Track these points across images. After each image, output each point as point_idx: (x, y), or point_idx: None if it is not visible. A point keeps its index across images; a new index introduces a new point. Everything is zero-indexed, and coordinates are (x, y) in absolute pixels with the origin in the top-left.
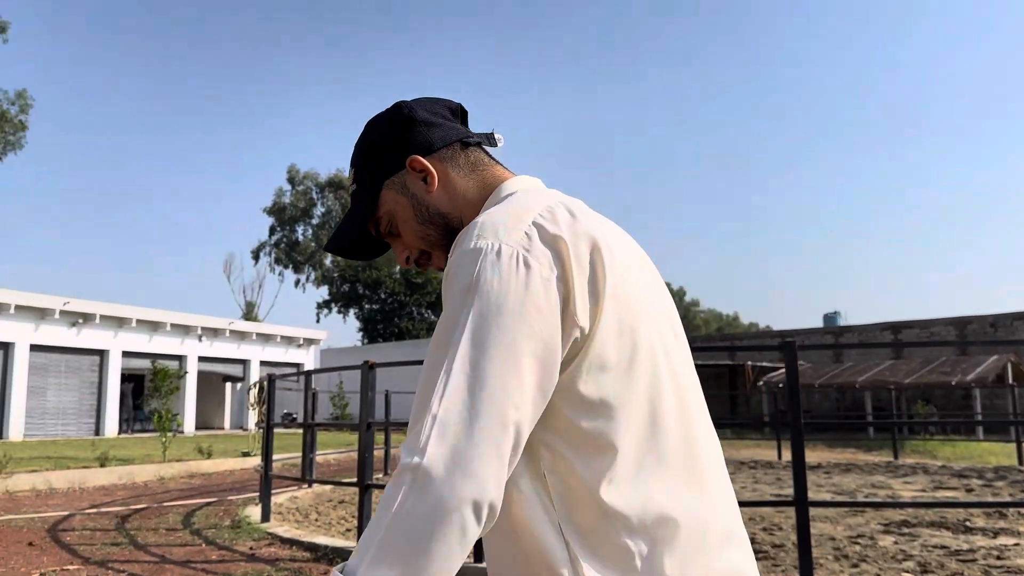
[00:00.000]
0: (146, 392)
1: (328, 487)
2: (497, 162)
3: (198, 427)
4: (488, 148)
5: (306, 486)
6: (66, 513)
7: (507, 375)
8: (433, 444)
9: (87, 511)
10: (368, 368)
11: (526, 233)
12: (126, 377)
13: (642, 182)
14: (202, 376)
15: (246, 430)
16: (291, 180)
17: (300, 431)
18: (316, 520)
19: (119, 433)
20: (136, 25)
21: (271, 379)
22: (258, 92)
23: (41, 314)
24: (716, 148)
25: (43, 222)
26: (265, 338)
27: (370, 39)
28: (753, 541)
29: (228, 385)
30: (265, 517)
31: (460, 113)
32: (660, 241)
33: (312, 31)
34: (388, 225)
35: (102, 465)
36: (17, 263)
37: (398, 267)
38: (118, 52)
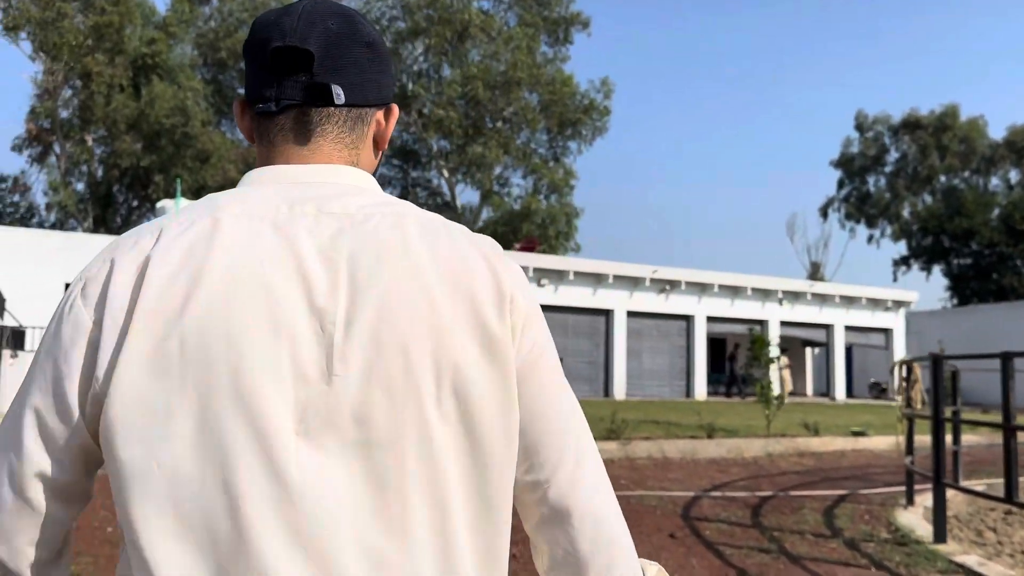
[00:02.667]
0: (732, 358)
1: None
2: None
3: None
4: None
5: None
6: (691, 495)
7: None
8: None
9: (712, 494)
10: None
11: None
12: (711, 342)
13: None
14: (782, 341)
15: (833, 399)
16: (859, 127)
17: (892, 405)
18: (998, 543)
19: (707, 397)
20: None
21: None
22: (814, 37)
23: (634, 283)
24: None
25: (622, 194)
26: (848, 300)
27: None
28: None
29: (808, 351)
30: (939, 536)
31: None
32: None
33: None
34: None
35: (709, 436)
36: (606, 234)
37: (995, 211)
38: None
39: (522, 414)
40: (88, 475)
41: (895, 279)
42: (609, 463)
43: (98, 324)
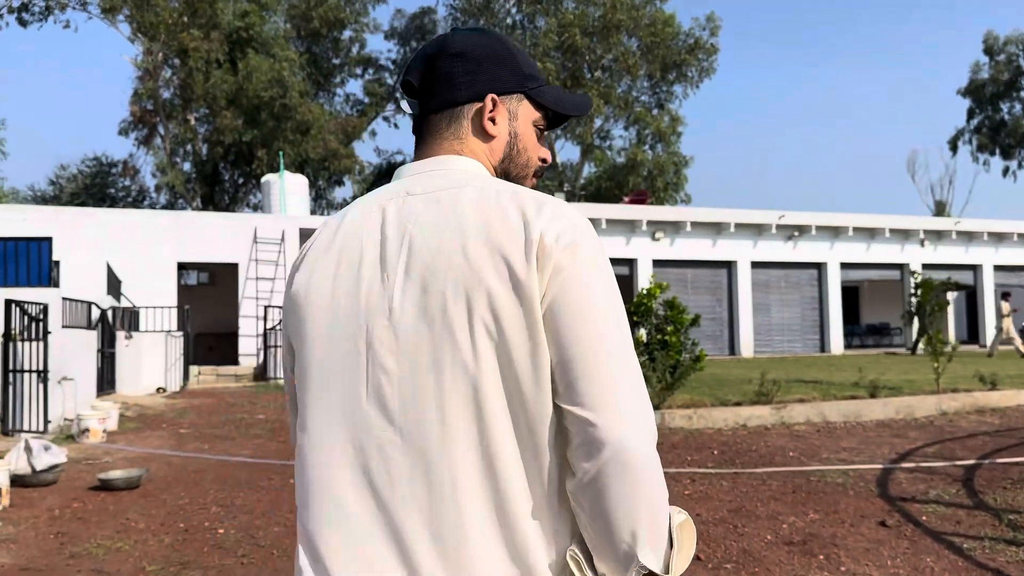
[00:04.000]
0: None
1: None
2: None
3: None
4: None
5: None
6: (879, 466)
7: None
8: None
9: (903, 465)
10: None
11: None
12: (845, 290)
13: None
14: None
15: (984, 347)
16: (988, 50)
17: None
18: None
19: (844, 350)
20: None
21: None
22: None
23: (758, 230)
24: None
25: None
26: (998, 237)
27: None
28: None
29: (952, 295)
30: None
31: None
32: None
33: None
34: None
35: (872, 395)
36: (721, 183)
37: None
38: None
39: (559, 347)
40: None
41: None
42: (765, 431)
43: (285, 293)
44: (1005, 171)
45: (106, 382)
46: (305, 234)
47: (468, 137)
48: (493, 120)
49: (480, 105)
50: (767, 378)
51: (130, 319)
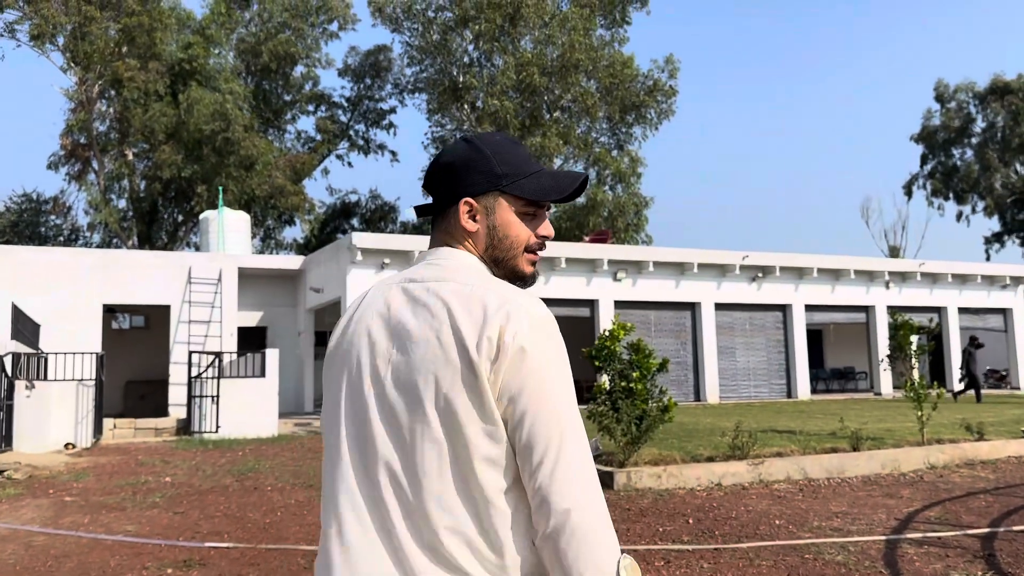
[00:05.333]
0: (974, 347)
1: None
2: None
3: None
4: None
5: None
6: (882, 539)
7: None
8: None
9: (909, 535)
10: None
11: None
12: (809, 333)
13: None
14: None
15: (950, 391)
16: (939, 98)
17: (1006, 392)
18: None
19: (811, 395)
20: None
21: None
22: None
23: (722, 271)
24: None
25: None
26: (962, 279)
27: None
28: None
29: (913, 338)
30: None
31: None
32: None
33: None
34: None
35: (855, 448)
36: (681, 225)
37: None
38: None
39: (516, 428)
40: None
41: (988, 258)
42: (743, 491)
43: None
44: (959, 216)
45: (1, 438)
46: (245, 274)
47: (456, 232)
48: (473, 218)
49: (459, 205)
50: (740, 428)
51: (37, 366)
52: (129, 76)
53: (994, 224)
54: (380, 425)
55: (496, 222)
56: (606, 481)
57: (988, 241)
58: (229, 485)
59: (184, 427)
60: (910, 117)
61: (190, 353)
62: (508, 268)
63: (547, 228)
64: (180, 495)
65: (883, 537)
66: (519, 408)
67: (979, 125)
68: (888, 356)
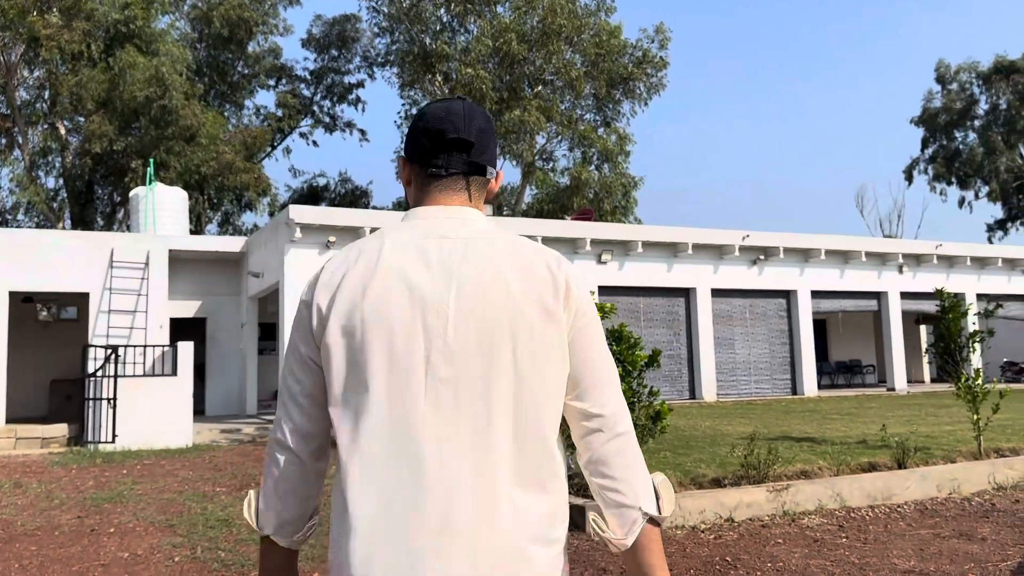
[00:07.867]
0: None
1: None
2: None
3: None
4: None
5: None
6: None
7: None
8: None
9: None
10: None
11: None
12: (814, 322)
13: None
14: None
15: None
16: (940, 79)
17: None
18: None
19: (818, 391)
20: None
21: None
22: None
23: (719, 252)
24: None
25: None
26: (981, 263)
27: None
28: None
29: (923, 328)
30: None
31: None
32: None
33: None
34: None
35: (899, 463)
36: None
37: None
38: None
39: (574, 360)
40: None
41: (990, 243)
42: (763, 530)
43: (319, 309)
44: (961, 201)
45: None
46: (180, 257)
47: (479, 195)
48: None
49: (496, 173)
50: (745, 433)
51: None
52: (47, 34)
53: (997, 211)
54: (444, 393)
55: (495, 191)
56: (575, 520)
57: (991, 228)
58: (63, 524)
59: (77, 436)
60: (907, 101)
61: (84, 347)
62: None
63: None
64: (10, 537)
65: None
66: (583, 346)
67: (982, 107)
68: (932, 346)
